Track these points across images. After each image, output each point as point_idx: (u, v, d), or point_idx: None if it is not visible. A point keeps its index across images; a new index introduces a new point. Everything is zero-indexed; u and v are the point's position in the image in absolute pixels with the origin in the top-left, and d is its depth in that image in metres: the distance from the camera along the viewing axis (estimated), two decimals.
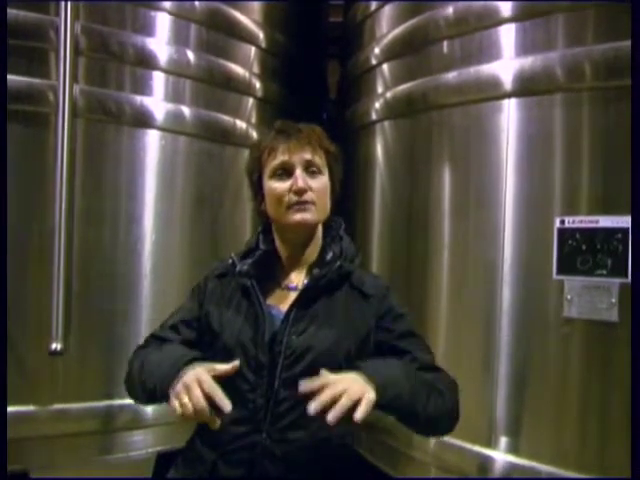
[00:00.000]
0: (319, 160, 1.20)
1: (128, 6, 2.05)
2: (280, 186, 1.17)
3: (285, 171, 1.18)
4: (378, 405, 0.97)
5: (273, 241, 1.28)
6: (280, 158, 1.17)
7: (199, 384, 1.00)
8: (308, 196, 1.16)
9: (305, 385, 0.97)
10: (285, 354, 1.13)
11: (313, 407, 0.92)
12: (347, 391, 0.94)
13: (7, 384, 1.54)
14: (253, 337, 1.15)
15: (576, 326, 1.63)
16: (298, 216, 1.16)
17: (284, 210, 1.17)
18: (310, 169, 1.19)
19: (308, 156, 1.18)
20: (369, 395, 0.95)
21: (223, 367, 1.07)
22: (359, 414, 0.92)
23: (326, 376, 0.99)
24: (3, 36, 1.70)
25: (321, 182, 1.20)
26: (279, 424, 1.12)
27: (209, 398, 0.98)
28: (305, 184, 1.16)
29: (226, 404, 0.98)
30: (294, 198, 1.15)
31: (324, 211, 1.22)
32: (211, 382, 1.00)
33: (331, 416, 0.91)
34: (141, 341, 1.30)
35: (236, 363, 1.08)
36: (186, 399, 0.99)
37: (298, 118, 1.29)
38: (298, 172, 1.17)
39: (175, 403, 1.00)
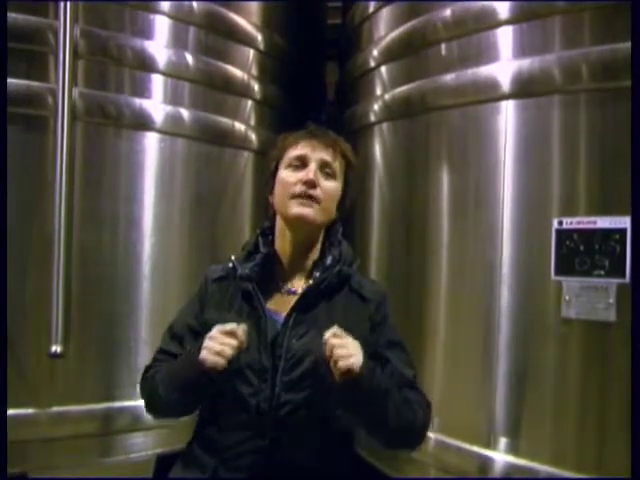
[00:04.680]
0: (337, 165, 1.22)
1: (127, 9, 2.05)
2: (292, 175, 1.19)
3: (301, 163, 1.20)
4: (353, 388, 1.02)
5: (272, 243, 1.27)
6: (299, 150, 1.20)
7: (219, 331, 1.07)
8: (315, 192, 1.17)
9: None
10: (285, 358, 1.14)
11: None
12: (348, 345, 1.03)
13: (7, 387, 1.54)
14: (256, 341, 1.15)
15: (574, 326, 1.63)
16: (299, 209, 1.17)
17: (288, 199, 1.18)
18: (325, 170, 1.20)
19: (327, 157, 1.20)
20: (358, 360, 1.02)
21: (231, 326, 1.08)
22: (343, 363, 1.01)
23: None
24: (3, 39, 1.70)
25: (332, 185, 1.21)
26: (280, 428, 1.12)
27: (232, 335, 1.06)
28: (316, 178, 1.17)
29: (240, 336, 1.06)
30: (302, 188, 1.16)
31: (327, 214, 1.22)
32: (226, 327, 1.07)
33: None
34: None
35: (243, 326, 1.09)
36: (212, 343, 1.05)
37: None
38: (312, 166, 1.18)
39: (204, 353, 1.06)
